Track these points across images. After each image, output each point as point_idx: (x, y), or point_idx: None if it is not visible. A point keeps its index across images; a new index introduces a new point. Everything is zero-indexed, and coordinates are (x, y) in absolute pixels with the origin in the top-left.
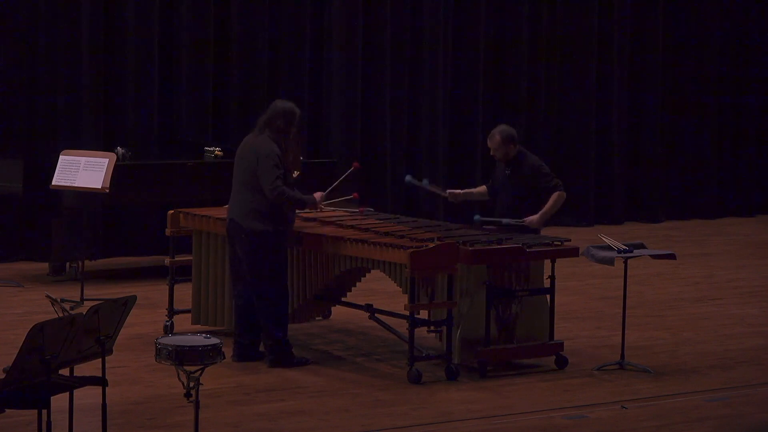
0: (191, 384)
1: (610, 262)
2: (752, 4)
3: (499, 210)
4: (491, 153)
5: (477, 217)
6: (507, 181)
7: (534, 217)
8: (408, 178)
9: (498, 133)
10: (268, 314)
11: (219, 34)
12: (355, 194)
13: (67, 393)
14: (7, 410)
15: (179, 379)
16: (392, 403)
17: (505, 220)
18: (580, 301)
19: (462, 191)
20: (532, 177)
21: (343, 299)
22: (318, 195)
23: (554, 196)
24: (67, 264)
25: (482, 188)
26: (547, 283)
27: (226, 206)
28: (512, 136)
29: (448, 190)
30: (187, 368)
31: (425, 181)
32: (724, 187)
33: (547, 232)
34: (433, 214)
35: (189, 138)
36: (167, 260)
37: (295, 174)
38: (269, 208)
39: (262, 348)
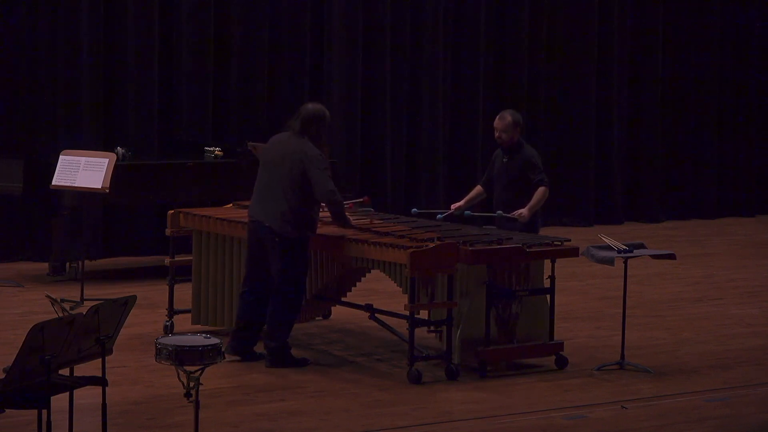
0: (191, 384)
1: (610, 262)
2: (752, 4)
3: (495, 199)
4: (497, 135)
5: (467, 212)
6: (503, 170)
7: (524, 211)
8: (414, 210)
9: (510, 115)
10: (281, 316)
11: (219, 34)
12: (366, 198)
13: (67, 393)
14: (7, 410)
15: (179, 379)
16: (392, 403)
17: (497, 213)
18: (580, 301)
19: (463, 201)
20: (525, 168)
21: (343, 299)
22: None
23: (540, 190)
24: (67, 264)
25: (477, 188)
26: (547, 283)
27: (227, 206)
28: (521, 121)
29: (452, 206)
30: (187, 368)
31: (438, 216)
32: (724, 187)
33: (547, 232)
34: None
35: (189, 138)
36: (167, 260)
37: None
38: (302, 214)
39: (257, 349)
